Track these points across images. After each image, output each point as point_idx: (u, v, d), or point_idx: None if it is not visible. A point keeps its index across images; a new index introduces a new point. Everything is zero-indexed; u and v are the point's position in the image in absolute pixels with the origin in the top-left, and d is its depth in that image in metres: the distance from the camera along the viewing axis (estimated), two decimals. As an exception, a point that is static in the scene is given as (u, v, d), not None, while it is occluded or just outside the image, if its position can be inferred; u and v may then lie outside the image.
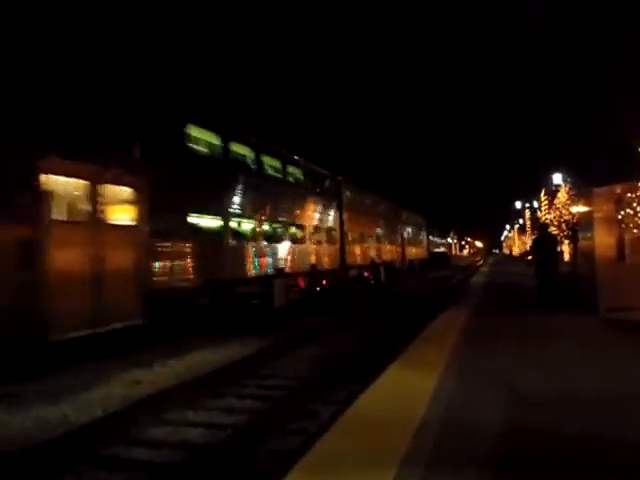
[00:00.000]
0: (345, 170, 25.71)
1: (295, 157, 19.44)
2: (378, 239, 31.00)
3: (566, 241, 25.66)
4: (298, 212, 18.81)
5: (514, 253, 76.22)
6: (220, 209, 13.33)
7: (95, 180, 8.97)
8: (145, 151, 10.12)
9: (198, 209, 12.30)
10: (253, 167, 16.13)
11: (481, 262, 69.19)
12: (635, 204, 9.33)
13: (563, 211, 23.34)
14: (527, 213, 56.72)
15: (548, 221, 27.20)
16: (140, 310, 9.59)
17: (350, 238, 24.98)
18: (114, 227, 9.39)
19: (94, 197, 8.95)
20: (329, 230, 22.21)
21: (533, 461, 3.54)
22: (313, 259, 19.77)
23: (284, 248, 17.16)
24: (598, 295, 10.11)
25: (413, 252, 42.80)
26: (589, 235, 13.20)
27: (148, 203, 9.93)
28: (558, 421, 4.23)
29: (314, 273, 19.63)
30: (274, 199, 16.72)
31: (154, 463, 5.03)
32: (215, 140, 13.78)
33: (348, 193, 25.50)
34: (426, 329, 9.61)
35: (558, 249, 14.57)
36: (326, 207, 22.04)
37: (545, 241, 11.99)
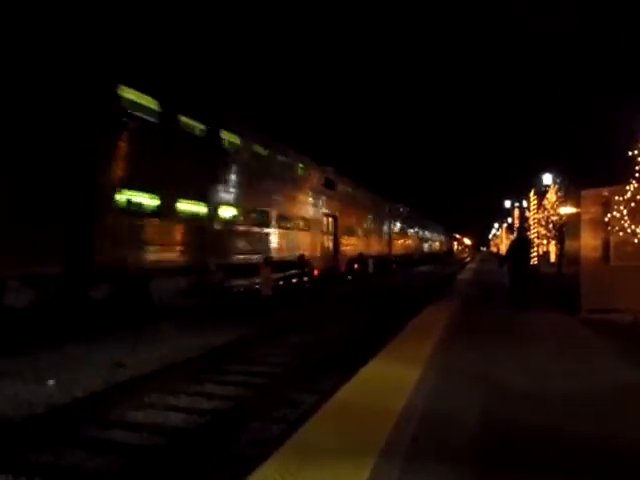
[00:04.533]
0: (338, 163, 25.79)
1: (284, 146, 19.32)
2: (367, 232, 31.12)
3: (553, 242, 25.86)
4: (285, 200, 18.70)
5: (501, 252, 76.71)
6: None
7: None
8: None
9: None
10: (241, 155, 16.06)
11: (469, 259, 69.65)
12: (622, 207, 9.43)
13: (551, 212, 23.46)
14: (516, 212, 57.02)
15: (536, 221, 27.39)
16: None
17: (340, 230, 25.01)
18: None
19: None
20: (318, 221, 22.27)
21: (507, 452, 3.60)
22: (302, 249, 19.76)
23: (272, 236, 17.10)
24: (581, 296, 10.24)
25: (402, 246, 43.07)
26: (575, 236, 13.34)
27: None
28: (531, 414, 4.31)
29: (303, 263, 19.63)
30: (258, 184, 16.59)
31: (133, 446, 5.04)
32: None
33: (340, 186, 25.57)
34: (411, 322, 9.68)
35: (531, 252, 15.41)
36: (317, 198, 22.07)
37: (521, 244, 12.69)
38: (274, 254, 17.21)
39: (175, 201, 12.48)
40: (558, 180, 24.73)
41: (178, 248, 12.40)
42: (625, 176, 9.41)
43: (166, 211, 12.06)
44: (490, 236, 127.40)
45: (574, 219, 17.22)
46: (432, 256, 62.41)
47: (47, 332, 9.11)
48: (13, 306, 8.45)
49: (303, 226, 20.07)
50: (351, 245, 27.00)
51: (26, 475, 4.31)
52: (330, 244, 23.82)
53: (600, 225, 10.18)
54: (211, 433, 5.34)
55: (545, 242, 28.51)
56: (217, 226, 14.33)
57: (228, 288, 14.97)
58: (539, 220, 26.93)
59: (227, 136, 15.31)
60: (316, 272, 20.89)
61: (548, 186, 25.79)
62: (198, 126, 13.82)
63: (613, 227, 9.71)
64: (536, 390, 5.09)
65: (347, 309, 15.00)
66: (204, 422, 5.71)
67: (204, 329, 11.09)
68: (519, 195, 48.91)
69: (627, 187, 9.38)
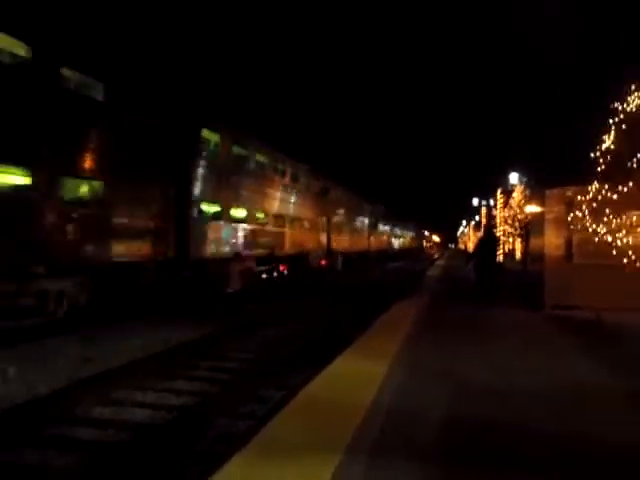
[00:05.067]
0: (311, 158, 26.26)
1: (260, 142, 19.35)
2: (340, 228, 31.40)
3: (518, 239, 26.39)
4: (259, 196, 18.80)
5: (468, 249, 77.96)
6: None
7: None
8: None
9: None
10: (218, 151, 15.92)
11: (437, 256, 70.58)
12: (584, 207, 9.67)
13: (517, 210, 23.95)
14: (483, 210, 57.98)
15: (503, 219, 27.92)
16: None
17: (310, 225, 25.08)
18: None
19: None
20: (293, 217, 22.64)
21: (473, 448, 3.67)
22: (272, 244, 19.75)
23: (242, 231, 17.04)
24: (545, 293, 10.50)
25: (376, 243, 43.58)
26: (540, 234, 13.65)
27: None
28: (496, 410, 4.40)
29: (272, 258, 19.59)
30: (234, 180, 16.65)
31: (99, 443, 4.96)
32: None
33: (313, 181, 25.71)
34: (380, 318, 9.77)
35: (497, 250, 16.27)
36: (290, 193, 22.25)
37: (488, 241, 13.41)
38: (287, 250, 21.26)
39: (229, 209, 16.19)
40: (524, 179, 25.27)
41: (232, 242, 16.25)
42: (589, 176, 9.65)
43: (225, 216, 15.92)
44: (458, 234, 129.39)
45: (539, 218, 17.59)
46: (403, 252, 63.10)
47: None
48: (146, 283, 11.97)
49: (276, 224, 20.54)
50: (339, 242, 28.60)
51: None
52: (325, 241, 26.12)
53: (563, 224, 10.43)
54: (178, 429, 5.30)
55: (511, 240, 29.08)
56: (252, 226, 17.88)
57: (257, 273, 18.23)
58: (505, 218, 27.48)
59: (262, 158, 19.25)
60: (324, 262, 25.34)
61: (514, 185, 26.33)
62: (239, 150, 17.38)
63: (576, 226, 9.95)
64: (501, 386, 5.20)
65: (321, 304, 15.05)
66: (171, 418, 5.66)
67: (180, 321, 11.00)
68: (487, 193, 49.81)
69: (589, 187, 9.62)
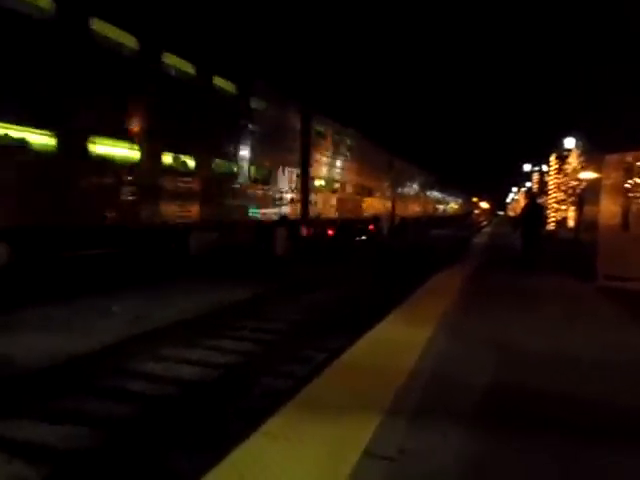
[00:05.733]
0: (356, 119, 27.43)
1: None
2: (402, 197, 33.14)
3: (572, 207, 25.49)
4: (348, 172, 23.67)
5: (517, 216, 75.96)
6: None
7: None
8: None
9: None
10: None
11: (485, 223, 69.17)
12: (645, 173, 9.20)
13: (572, 176, 23.05)
14: (535, 176, 56.14)
15: (555, 186, 26.96)
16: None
17: (354, 189, 25.12)
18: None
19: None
20: (371, 188, 25.39)
21: (517, 415, 3.63)
22: (318, 208, 19.88)
23: (285, 193, 17.16)
24: (598, 263, 10.13)
25: (427, 209, 44.23)
26: (595, 202, 13.13)
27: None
28: (538, 378, 4.33)
29: (318, 222, 19.73)
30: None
31: (149, 395, 5.19)
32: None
33: (383, 157, 28.14)
34: (425, 284, 9.70)
35: (544, 217, 16.55)
36: (368, 169, 26.63)
37: (533, 209, 13.35)
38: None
39: (330, 183, 21.70)
40: (581, 144, 24.20)
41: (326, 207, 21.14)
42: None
43: (328, 187, 21.37)
44: (508, 200, 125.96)
45: (594, 185, 16.89)
46: (452, 219, 62.24)
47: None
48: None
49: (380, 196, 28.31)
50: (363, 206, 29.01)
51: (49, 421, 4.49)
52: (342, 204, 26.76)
53: (621, 191, 9.98)
54: (224, 386, 5.47)
55: (564, 207, 28.11)
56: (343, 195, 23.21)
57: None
58: (558, 185, 26.52)
59: (352, 143, 24.26)
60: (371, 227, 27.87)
61: (570, 150, 25.26)
62: (338, 138, 22.40)
63: (634, 193, 9.50)
64: (549, 354, 5.10)
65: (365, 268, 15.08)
66: (217, 375, 5.85)
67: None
68: (539, 159, 48.06)
69: (651, 152, 9.13)
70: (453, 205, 74.56)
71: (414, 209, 40.35)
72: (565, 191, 24.21)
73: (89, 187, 9.35)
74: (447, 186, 61.83)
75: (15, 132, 8.03)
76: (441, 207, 60.23)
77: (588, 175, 19.97)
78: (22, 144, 8.14)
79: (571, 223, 26.60)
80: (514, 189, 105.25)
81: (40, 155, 8.42)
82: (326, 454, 2.93)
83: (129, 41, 10.24)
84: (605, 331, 6.28)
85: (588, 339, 5.79)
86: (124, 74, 10.09)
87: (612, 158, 10.51)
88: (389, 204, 31.83)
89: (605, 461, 3.00)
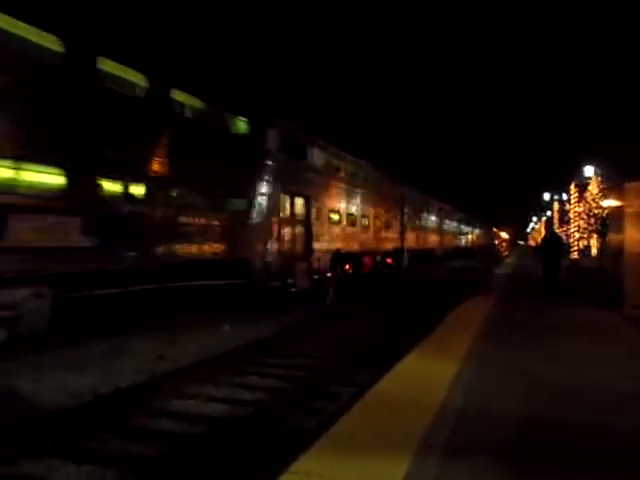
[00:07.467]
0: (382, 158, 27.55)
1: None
2: (412, 229, 32.59)
3: (594, 235, 25.20)
4: (356, 206, 22.23)
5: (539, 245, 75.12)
6: None
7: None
8: None
9: None
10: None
11: (506, 253, 68.51)
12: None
13: (593, 204, 22.87)
14: (555, 205, 55.76)
15: (576, 214, 26.73)
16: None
17: (377, 224, 25.23)
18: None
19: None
20: (353, 215, 22.82)
21: (548, 450, 3.58)
22: (338, 243, 19.85)
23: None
24: (624, 291, 9.98)
25: (445, 241, 43.93)
26: (619, 230, 12.99)
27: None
28: (571, 411, 4.26)
29: (339, 257, 19.67)
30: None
31: (176, 434, 5.20)
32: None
33: (393, 188, 27.71)
34: (449, 316, 9.64)
35: (562, 248, 16.70)
36: (375, 200, 25.00)
37: (553, 241, 14.39)
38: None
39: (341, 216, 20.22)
40: (601, 172, 24.08)
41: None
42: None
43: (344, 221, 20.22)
44: (528, 229, 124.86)
45: (617, 212, 16.74)
46: (471, 250, 61.66)
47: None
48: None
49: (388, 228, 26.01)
50: (385, 238, 28.58)
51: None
52: (368, 238, 26.58)
53: (645, 219, 9.88)
54: (252, 423, 5.47)
55: (586, 236, 27.80)
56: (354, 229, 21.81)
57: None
58: (579, 213, 26.31)
59: (366, 182, 23.15)
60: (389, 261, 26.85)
61: (589, 178, 25.13)
62: (338, 162, 20.49)
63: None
64: (574, 386, 5.03)
65: (392, 300, 15.01)
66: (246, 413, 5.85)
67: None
68: (559, 188, 47.80)
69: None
70: (473, 236, 74.09)
71: (436, 240, 40.38)
72: (587, 219, 23.99)
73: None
74: (470, 219, 61.62)
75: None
76: (463, 239, 59.86)
77: (610, 203, 19.82)
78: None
79: (594, 251, 26.26)
80: (534, 218, 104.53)
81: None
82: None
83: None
84: (628, 364, 6.16)
85: (607, 373, 5.68)
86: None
87: (633, 186, 10.45)
88: (413, 236, 31.93)
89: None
